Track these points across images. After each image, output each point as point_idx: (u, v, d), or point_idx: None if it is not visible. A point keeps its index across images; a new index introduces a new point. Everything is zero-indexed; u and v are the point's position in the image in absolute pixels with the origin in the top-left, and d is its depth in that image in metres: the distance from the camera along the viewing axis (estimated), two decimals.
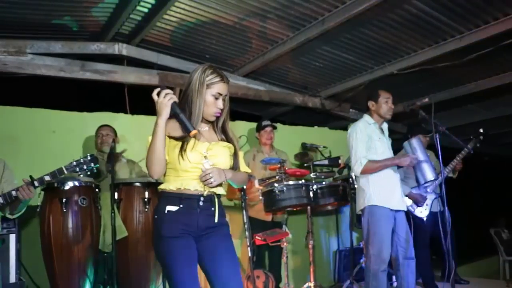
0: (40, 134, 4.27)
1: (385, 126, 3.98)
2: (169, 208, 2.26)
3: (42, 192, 3.47)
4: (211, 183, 2.23)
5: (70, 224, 3.34)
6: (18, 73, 4.31)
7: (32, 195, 2.84)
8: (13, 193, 2.81)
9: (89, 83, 4.68)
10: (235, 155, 2.41)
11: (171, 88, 2.36)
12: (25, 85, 4.63)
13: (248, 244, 3.87)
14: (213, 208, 2.32)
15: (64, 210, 3.34)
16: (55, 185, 3.42)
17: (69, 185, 3.41)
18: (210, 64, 2.36)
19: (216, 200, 2.34)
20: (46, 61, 4.44)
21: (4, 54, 4.24)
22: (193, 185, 2.27)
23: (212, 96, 2.28)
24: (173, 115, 2.21)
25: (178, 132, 2.27)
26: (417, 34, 4.43)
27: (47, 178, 2.87)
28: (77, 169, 2.90)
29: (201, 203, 2.28)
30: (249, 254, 3.86)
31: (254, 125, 5.30)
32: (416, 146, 3.76)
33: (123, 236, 3.45)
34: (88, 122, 4.41)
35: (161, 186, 2.32)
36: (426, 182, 3.81)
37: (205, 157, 2.28)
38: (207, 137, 2.36)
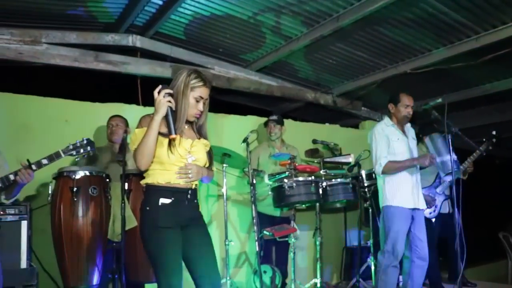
0: (53, 123, 4.31)
1: (408, 126, 4.00)
2: (163, 200, 2.45)
3: (54, 181, 3.50)
4: (189, 178, 2.46)
5: (80, 213, 3.37)
6: (33, 62, 4.35)
7: (31, 178, 2.85)
8: (11, 176, 2.82)
9: (103, 73, 4.71)
10: (209, 153, 2.64)
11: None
12: (39, 74, 4.68)
13: (256, 238, 3.90)
14: (195, 200, 2.57)
15: (75, 199, 3.37)
16: (66, 173, 3.45)
17: (80, 174, 3.44)
18: (195, 69, 2.59)
19: (196, 193, 2.59)
20: (60, 51, 4.47)
21: (20, 43, 4.28)
22: (182, 180, 2.48)
23: (194, 98, 2.49)
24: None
25: (163, 129, 2.46)
26: (432, 34, 4.41)
27: (45, 161, 2.90)
28: (74, 152, 2.97)
29: (189, 196, 2.51)
30: (257, 249, 3.90)
31: (264, 119, 5.31)
32: (436, 139, 3.80)
33: (133, 226, 3.47)
34: (100, 113, 4.44)
35: (148, 180, 2.51)
36: (446, 174, 3.84)
37: (189, 152, 2.50)
38: (187, 135, 2.56)
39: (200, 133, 2.64)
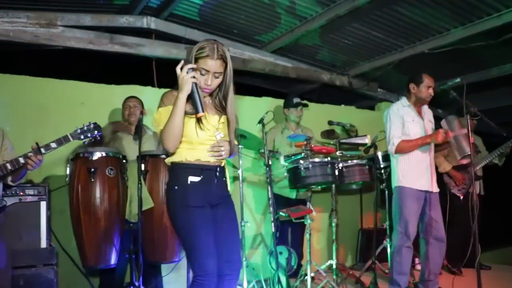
0: (69, 105, 4.34)
1: (425, 108, 3.96)
2: (192, 178, 2.35)
3: (71, 162, 3.53)
4: (221, 155, 2.38)
5: (97, 194, 3.40)
6: (49, 45, 4.37)
7: (40, 163, 2.89)
8: (21, 160, 2.84)
9: (118, 56, 4.72)
10: (231, 129, 2.48)
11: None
12: (55, 57, 4.70)
13: (272, 220, 3.90)
14: (224, 179, 2.49)
15: (92, 180, 3.40)
16: (84, 155, 3.47)
17: (97, 155, 3.46)
18: (209, 39, 2.39)
19: (226, 171, 2.51)
20: (76, 34, 4.48)
21: (36, 26, 4.30)
22: (213, 157, 2.40)
23: (199, 71, 2.29)
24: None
25: (188, 107, 2.31)
26: (451, 12, 4.31)
27: (53, 145, 2.92)
28: (82, 136, 3.00)
29: (217, 174, 2.41)
30: (273, 230, 3.90)
31: (280, 101, 5.31)
32: (452, 121, 3.74)
33: (149, 207, 3.50)
34: (115, 95, 4.46)
35: (174, 159, 2.39)
36: (463, 157, 3.78)
37: (217, 129, 2.40)
38: (211, 110, 2.45)
39: (224, 107, 2.45)
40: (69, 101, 4.36)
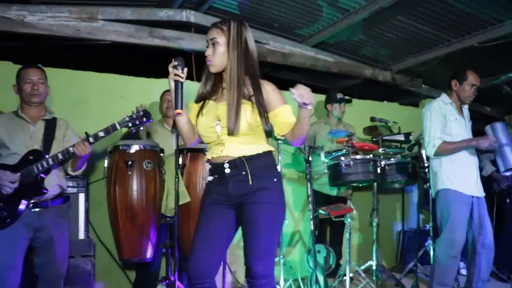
0: (108, 98, 4.36)
1: (465, 107, 3.73)
2: (209, 178, 2.30)
3: (109, 154, 3.52)
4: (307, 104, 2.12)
5: (134, 187, 3.36)
6: (90, 39, 4.39)
7: (88, 150, 2.89)
8: (70, 149, 2.88)
9: (157, 49, 4.70)
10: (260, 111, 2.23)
11: None
12: (96, 51, 4.74)
13: (311, 217, 3.79)
14: (244, 173, 2.20)
15: (129, 173, 3.36)
16: (121, 147, 3.45)
17: (134, 148, 3.42)
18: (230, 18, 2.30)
19: (247, 163, 2.20)
20: (116, 27, 4.49)
21: (77, 20, 4.32)
22: (216, 152, 2.25)
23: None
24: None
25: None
26: (505, 1, 4.05)
27: (101, 134, 2.92)
28: (130, 124, 2.95)
29: (227, 170, 2.21)
30: (311, 228, 3.79)
31: (321, 97, 5.18)
32: (499, 129, 3.49)
33: (186, 201, 3.44)
34: (155, 88, 4.45)
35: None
36: (506, 170, 3.53)
37: (218, 119, 2.24)
38: (217, 97, 2.33)
39: (241, 87, 2.22)
40: (109, 95, 4.38)
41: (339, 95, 4.87)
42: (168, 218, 3.48)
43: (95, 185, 4.03)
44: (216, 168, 2.26)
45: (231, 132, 2.17)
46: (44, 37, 4.25)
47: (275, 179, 2.24)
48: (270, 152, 2.29)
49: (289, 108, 2.28)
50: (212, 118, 2.25)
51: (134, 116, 2.97)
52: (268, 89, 2.27)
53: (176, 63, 2.20)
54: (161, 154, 3.57)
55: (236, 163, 2.20)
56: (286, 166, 5.00)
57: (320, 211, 3.93)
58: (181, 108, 2.19)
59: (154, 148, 3.52)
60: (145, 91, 4.51)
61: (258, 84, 2.25)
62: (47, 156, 2.91)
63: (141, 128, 3.13)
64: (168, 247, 3.46)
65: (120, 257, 3.51)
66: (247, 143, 2.23)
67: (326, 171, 4.24)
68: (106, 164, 3.49)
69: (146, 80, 4.59)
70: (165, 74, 4.17)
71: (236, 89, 2.19)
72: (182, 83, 2.21)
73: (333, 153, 4.17)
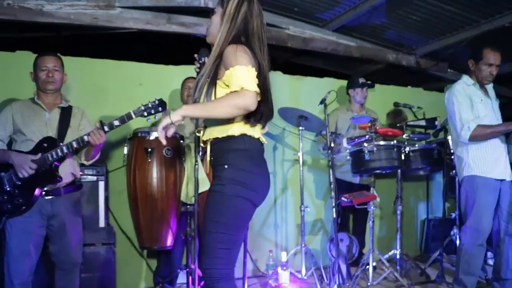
0: (127, 86, 4.34)
1: (489, 86, 3.59)
2: None
3: (129, 141, 3.52)
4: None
5: (154, 174, 3.36)
6: (107, 27, 4.36)
7: (103, 139, 2.90)
8: (85, 137, 2.88)
9: (176, 36, 4.66)
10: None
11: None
12: (115, 39, 4.72)
13: (333, 205, 3.73)
14: (212, 158, 2.16)
15: (149, 160, 3.36)
16: (141, 134, 3.45)
17: (154, 135, 3.41)
18: None
19: (208, 148, 2.16)
20: (133, 14, 4.45)
21: (95, 8, 4.30)
22: (201, 134, 2.22)
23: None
24: None
25: None
26: None
27: (116, 123, 2.92)
28: (145, 113, 2.95)
29: (201, 154, 2.24)
30: (334, 216, 3.73)
31: (343, 82, 5.11)
32: None
33: (206, 189, 3.40)
34: (174, 75, 4.42)
35: None
36: None
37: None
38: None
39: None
40: (128, 83, 4.36)
41: (361, 80, 4.79)
42: (188, 206, 3.46)
43: (115, 173, 4.03)
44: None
45: None
46: (62, 26, 4.26)
47: (226, 166, 2.08)
48: (233, 137, 2.09)
49: (232, 71, 1.97)
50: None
51: (150, 106, 2.96)
52: (224, 55, 2.05)
53: (196, 55, 2.28)
54: (181, 141, 3.55)
55: (206, 147, 2.18)
56: (307, 153, 4.96)
57: (343, 198, 3.86)
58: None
59: (174, 135, 3.49)
60: (164, 78, 4.49)
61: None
62: (61, 144, 2.92)
63: (156, 117, 3.11)
64: (189, 235, 3.44)
65: (141, 245, 3.54)
66: (216, 125, 2.13)
67: (348, 158, 4.17)
68: (125, 152, 3.49)
69: (165, 67, 4.55)
70: (184, 61, 4.16)
71: (211, 63, 2.09)
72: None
73: (356, 140, 4.10)
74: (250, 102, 1.94)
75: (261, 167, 2.16)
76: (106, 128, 2.91)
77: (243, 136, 2.10)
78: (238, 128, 2.09)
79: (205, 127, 2.22)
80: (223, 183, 2.06)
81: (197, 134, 2.26)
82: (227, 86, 2.01)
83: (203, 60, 2.17)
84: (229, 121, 2.08)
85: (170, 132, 2.06)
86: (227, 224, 2.04)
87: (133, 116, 2.93)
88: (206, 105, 2.03)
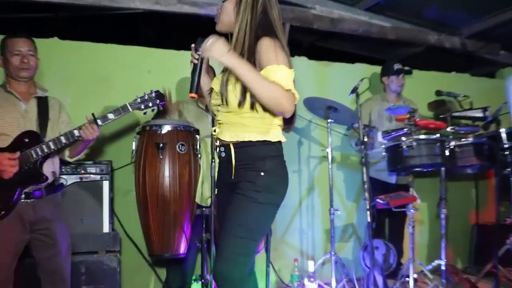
0: (134, 73, 4.40)
1: None
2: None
3: (138, 136, 3.57)
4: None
5: (166, 173, 3.39)
6: (112, 7, 4.42)
7: (96, 134, 2.92)
8: (76, 132, 2.89)
9: (187, 17, 4.71)
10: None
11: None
12: (120, 21, 4.78)
13: (367, 208, 3.76)
14: (231, 161, 2.21)
15: (161, 157, 3.39)
16: (151, 128, 3.48)
17: (166, 128, 3.45)
18: None
19: (233, 149, 2.20)
20: None
21: None
22: (217, 132, 2.30)
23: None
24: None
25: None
26: None
27: (111, 116, 2.96)
28: (142, 106, 3.03)
29: (222, 154, 2.26)
30: (368, 220, 3.76)
31: (377, 68, 5.12)
32: None
33: None
34: (186, 61, 4.42)
35: None
36: None
37: (216, 94, 2.28)
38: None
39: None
40: (135, 69, 4.43)
41: (396, 66, 4.78)
42: (204, 209, 3.51)
43: (121, 171, 4.09)
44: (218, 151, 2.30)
45: (225, 104, 2.19)
46: (62, 5, 4.30)
47: (262, 173, 2.16)
48: (269, 142, 2.19)
49: (276, 69, 2.06)
50: (215, 93, 2.28)
51: (146, 97, 3.04)
52: (259, 47, 2.13)
53: (193, 45, 2.27)
54: (196, 136, 3.59)
55: (226, 148, 2.24)
56: (337, 148, 4.98)
57: (378, 200, 3.88)
58: (196, 93, 2.23)
59: (189, 129, 3.54)
60: (175, 64, 4.54)
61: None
62: (45, 139, 2.92)
63: (154, 111, 3.15)
64: (204, 241, 3.49)
65: (150, 253, 3.57)
66: (240, 125, 2.21)
67: (384, 154, 4.17)
68: (133, 147, 3.53)
69: (176, 52, 4.61)
70: None
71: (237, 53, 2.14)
72: (199, 65, 2.25)
73: (393, 133, 4.10)
74: (291, 109, 2.08)
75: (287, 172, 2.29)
76: (99, 122, 2.94)
77: (279, 142, 2.24)
78: (275, 134, 2.21)
79: (219, 125, 2.29)
80: (258, 189, 2.14)
81: (213, 133, 2.34)
82: None
83: (201, 51, 2.20)
84: (266, 125, 2.19)
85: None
86: (254, 231, 2.16)
87: (130, 109, 3.00)
88: (256, 74, 2.04)
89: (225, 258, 2.12)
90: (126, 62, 4.42)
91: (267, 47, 2.08)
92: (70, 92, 4.15)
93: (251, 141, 2.17)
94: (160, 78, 4.37)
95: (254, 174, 2.15)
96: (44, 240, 2.93)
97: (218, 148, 2.29)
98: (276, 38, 2.13)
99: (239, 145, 2.19)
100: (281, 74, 2.04)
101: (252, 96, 2.07)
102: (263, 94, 2.02)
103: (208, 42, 2.08)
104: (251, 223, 2.12)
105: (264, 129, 2.18)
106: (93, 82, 4.24)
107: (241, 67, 2.03)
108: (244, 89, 2.11)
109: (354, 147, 4.64)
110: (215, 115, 2.36)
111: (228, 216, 2.16)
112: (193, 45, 2.25)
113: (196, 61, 2.24)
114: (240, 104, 2.13)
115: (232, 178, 2.20)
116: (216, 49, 2.06)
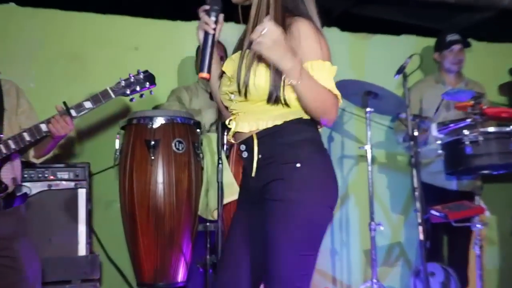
0: (117, 51, 4.44)
1: None
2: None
3: (122, 131, 3.58)
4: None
5: (160, 178, 3.40)
6: None
7: (69, 128, 2.89)
8: (43, 126, 2.86)
9: None
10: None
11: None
12: None
13: (419, 222, 3.75)
14: (260, 156, 2.12)
15: (152, 158, 3.39)
16: (140, 121, 3.48)
17: (159, 121, 3.45)
18: None
19: (256, 141, 2.11)
20: None
21: None
22: (233, 126, 2.20)
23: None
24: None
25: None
26: None
27: (88, 104, 2.93)
28: (128, 91, 2.99)
29: (244, 155, 2.17)
30: (420, 238, 3.76)
31: (430, 41, 5.13)
32: None
33: (234, 198, 3.46)
34: (184, 35, 4.48)
35: None
36: None
37: (229, 79, 2.22)
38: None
39: None
40: (118, 45, 4.46)
41: (450, 37, 4.78)
42: (208, 223, 3.53)
43: (101, 176, 4.12)
44: (240, 150, 2.21)
45: (241, 94, 2.09)
46: None
47: (297, 164, 2.05)
48: (300, 120, 2.11)
49: (322, 67, 2.05)
50: (228, 78, 2.23)
51: (133, 80, 3.00)
52: (296, 31, 2.06)
53: (207, 7, 2.17)
54: (198, 130, 3.60)
55: (248, 143, 2.15)
56: (378, 145, 4.98)
57: (433, 212, 3.89)
58: (208, 72, 2.13)
59: (188, 121, 3.55)
60: (169, 39, 4.58)
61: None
62: (1, 137, 2.88)
63: (143, 96, 3.12)
64: (209, 265, 3.50)
65: (139, 281, 3.57)
66: (262, 111, 2.11)
67: (440, 152, 4.17)
68: (117, 146, 3.55)
69: (172, 23, 4.65)
70: (198, 16, 4.18)
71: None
72: (213, 35, 2.16)
73: (451, 125, 4.09)
74: (335, 118, 2.08)
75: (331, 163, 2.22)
76: (73, 113, 2.90)
77: (316, 124, 2.16)
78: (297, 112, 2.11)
79: (233, 115, 2.23)
80: (297, 187, 2.04)
81: (229, 126, 2.25)
82: None
83: (215, 15, 2.14)
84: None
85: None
86: (310, 242, 2.06)
87: (112, 95, 2.97)
88: (314, 82, 1.98)
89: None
90: (106, 37, 4.45)
91: (308, 34, 2.04)
92: (33, 74, 4.19)
93: (276, 125, 2.08)
94: (151, 57, 4.41)
95: (287, 168, 2.05)
96: (4, 264, 2.91)
97: (238, 148, 2.22)
98: (310, 20, 2.11)
99: (262, 134, 2.10)
100: (328, 75, 2.03)
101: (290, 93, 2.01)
102: (313, 104, 1.99)
103: (264, 30, 1.83)
104: (303, 235, 2.03)
105: (295, 110, 2.09)
106: (64, 61, 4.27)
107: (305, 85, 1.94)
108: (277, 81, 2.02)
109: (401, 144, 4.63)
110: (226, 107, 2.30)
111: (266, 232, 2.06)
112: (206, 6, 2.16)
113: (211, 30, 2.14)
114: (270, 100, 2.04)
115: (257, 179, 2.12)
116: (277, 49, 1.86)
